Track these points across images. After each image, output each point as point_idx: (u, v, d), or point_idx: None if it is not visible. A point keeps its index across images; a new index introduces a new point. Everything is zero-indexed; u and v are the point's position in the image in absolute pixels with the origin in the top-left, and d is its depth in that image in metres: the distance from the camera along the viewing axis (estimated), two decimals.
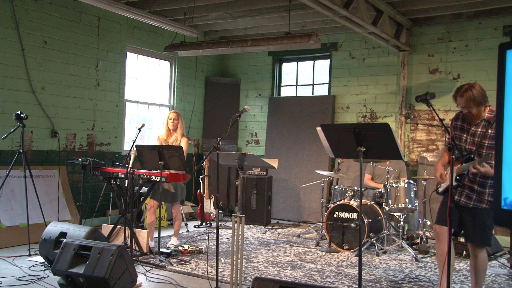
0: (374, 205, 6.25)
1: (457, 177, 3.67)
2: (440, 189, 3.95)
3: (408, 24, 7.55)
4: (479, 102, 3.62)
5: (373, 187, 6.69)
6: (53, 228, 4.59)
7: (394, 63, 7.91)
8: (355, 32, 7.20)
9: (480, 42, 7.22)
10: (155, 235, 5.79)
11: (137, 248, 5.30)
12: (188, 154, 7.02)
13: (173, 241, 5.85)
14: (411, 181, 6.09)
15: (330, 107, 8.37)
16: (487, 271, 5.09)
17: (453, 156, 3.43)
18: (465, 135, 3.78)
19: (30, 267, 4.77)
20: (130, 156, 5.22)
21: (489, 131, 3.63)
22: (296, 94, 9.11)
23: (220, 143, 4.31)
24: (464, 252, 5.75)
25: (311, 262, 5.39)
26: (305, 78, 9.12)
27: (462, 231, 3.93)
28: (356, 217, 5.90)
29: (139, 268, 4.71)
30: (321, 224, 6.67)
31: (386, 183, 6.09)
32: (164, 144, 5.86)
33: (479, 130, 3.70)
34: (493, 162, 3.45)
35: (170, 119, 5.90)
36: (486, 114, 3.69)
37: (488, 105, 3.69)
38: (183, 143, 5.78)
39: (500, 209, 1.91)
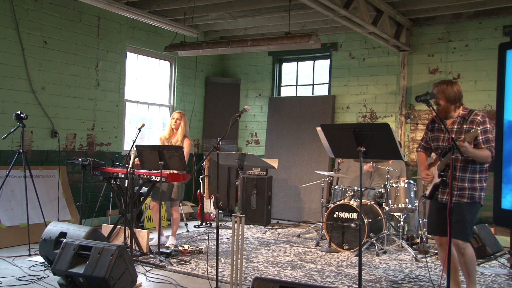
0: (374, 205, 6.24)
1: (441, 173, 3.75)
2: (427, 192, 4.00)
3: (408, 24, 7.55)
4: (448, 98, 3.82)
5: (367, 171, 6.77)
6: (53, 228, 4.59)
7: (394, 63, 7.91)
8: (355, 32, 7.20)
9: (480, 42, 7.22)
10: (164, 232, 5.77)
11: (137, 248, 5.30)
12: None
13: (171, 241, 5.85)
14: (411, 181, 6.09)
15: (330, 107, 8.37)
16: (487, 271, 5.10)
17: (453, 156, 3.45)
18: (442, 135, 3.91)
19: (30, 267, 4.77)
20: (130, 156, 5.22)
21: (464, 126, 3.79)
22: (296, 94, 9.11)
23: (220, 143, 4.31)
24: None
25: (311, 262, 5.39)
26: (305, 78, 9.12)
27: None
28: (356, 217, 5.90)
29: (139, 268, 4.71)
30: (321, 224, 6.67)
31: (386, 183, 6.09)
32: (166, 143, 5.87)
33: (455, 127, 3.86)
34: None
35: (173, 119, 5.92)
36: (461, 112, 3.87)
37: (461, 105, 3.88)
38: (185, 144, 5.78)
39: (500, 209, 1.91)
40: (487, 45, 7.16)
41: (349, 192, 6.35)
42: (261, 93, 9.26)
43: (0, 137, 5.78)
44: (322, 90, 8.83)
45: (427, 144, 4.14)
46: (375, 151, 3.76)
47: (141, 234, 5.47)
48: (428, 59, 7.62)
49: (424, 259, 5.63)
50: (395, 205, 5.96)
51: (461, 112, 3.87)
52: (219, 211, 8.12)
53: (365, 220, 5.81)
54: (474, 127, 3.74)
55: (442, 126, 3.80)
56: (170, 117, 6.00)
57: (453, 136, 3.79)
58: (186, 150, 5.76)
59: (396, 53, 7.76)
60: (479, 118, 3.77)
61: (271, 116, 8.98)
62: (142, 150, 5.27)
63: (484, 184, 3.80)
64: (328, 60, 8.67)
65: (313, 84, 8.99)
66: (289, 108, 8.78)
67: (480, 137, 3.72)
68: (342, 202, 6.10)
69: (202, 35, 8.86)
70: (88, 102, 7.08)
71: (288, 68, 9.36)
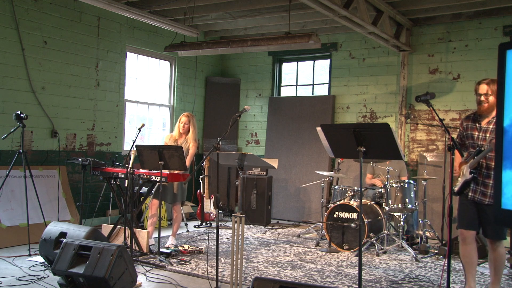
0: (374, 205, 6.24)
1: (472, 171, 3.76)
2: (456, 188, 4.00)
3: (408, 24, 7.55)
4: None
5: (373, 184, 6.69)
6: (53, 228, 4.59)
7: (394, 63, 7.91)
8: (355, 32, 7.19)
9: (480, 42, 7.22)
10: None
11: (137, 248, 5.30)
12: None
13: (171, 241, 5.86)
14: (411, 181, 6.09)
15: (330, 107, 8.37)
16: (487, 271, 5.10)
17: (453, 156, 3.46)
18: (476, 133, 3.92)
19: (30, 267, 4.77)
20: (130, 156, 5.22)
21: None
22: (296, 94, 9.10)
23: (220, 143, 4.31)
24: None
25: (311, 262, 5.39)
26: (305, 78, 9.12)
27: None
28: (356, 217, 5.90)
29: (139, 268, 4.71)
30: (321, 224, 6.67)
31: (386, 183, 6.09)
32: (173, 143, 5.88)
33: (491, 126, 3.85)
34: None
35: (182, 123, 5.89)
36: None
37: None
38: (193, 147, 5.80)
39: (500, 209, 1.91)
40: (487, 45, 7.15)
41: (349, 192, 6.35)
42: (261, 93, 9.26)
43: (0, 137, 5.78)
44: (322, 90, 8.83)
45: (461, 141, 4.14)
46: (375, 151, 3.76)
47: (141, 234, 5.48)
48: (428, 59, 7.62)
49: (424, 259, 5.63)
50: (395, 205, 5.96)
51: None
52: (219, 211, 8.12)
53: (365, 220, 5.81)
54: None
55: (443, 126, 3.80)
56: (178, 119, 5.97)
57: (489, 136, 3.81)
58: (192, 152, 5.79)
59: (396, 53, 7.75)
60: None
61: (271, 116, 8.98)
62: (142, 150, 5.27)
63: None
64: (328, 60, 8.67)
65: (313, 84, 8.99)
66: (289, 108, 8.78)
67: None
68: (342, 202, 6.10)
69: (202, 35, 8.86)
70: (88, 102, 7.08)
71: (288, 68, 9.36)
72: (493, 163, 3.77)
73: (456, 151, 4.18)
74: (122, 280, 3.83)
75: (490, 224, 3.82)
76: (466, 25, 7.32)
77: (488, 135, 3.83)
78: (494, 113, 3.84)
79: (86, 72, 7.04)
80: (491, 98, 3.82)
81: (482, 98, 3.86)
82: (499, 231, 3.84)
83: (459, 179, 4.00)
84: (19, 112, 5.42)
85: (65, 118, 6.78)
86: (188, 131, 5.89)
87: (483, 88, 3.87)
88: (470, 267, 3.95)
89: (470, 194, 3.89)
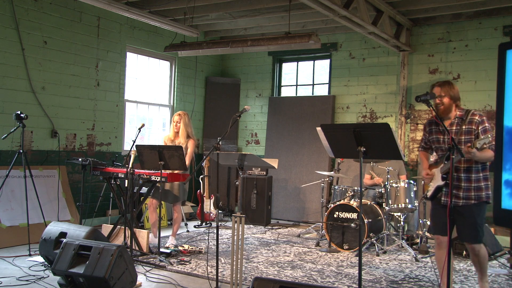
0: (374, 205, 6.24)
1: (444, 176, 3.76)
2: (429, 194, 4.00)
3: (408, 24, 7.55)
4: (452, 95, 3.86)
5: (373, 184, 6.69)
6: (53, 228, 4.60)
7: (394, 63, 7.91)
8: (355, 32, 7.20)
9: (480, 42, 7.22)
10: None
11: (137, 248, 5.30)
12: None
13: (171, 241, 5.86)
14: (411, 181, 6.09)
15: (330, 107, 8.37)
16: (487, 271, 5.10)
17: (453, 156, 3.45)
18: (441, 136, 3.95)
19: (30, 267, 4.77)
20: (130, 156, 5.22)
21: (463, 126, 3.82)
22: (296, 94, 9.10)
23: (220, 143, 4.31)
24: (464, 252, 5.75)
25: (311, 262, 5.39)
26: (305, 78, 9.12)
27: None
28: (356, 217, 5.90)
29: (139, 268, 4.71)
30: (321, 224, 6.67)
31: (386, 183, 6.09)
32: (170, 144, 5.87)
33: (454, 128, 3.88)
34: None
35: (174, 122, 5.91)
36: (458, 112, 3.90)
37: (459, 105, 3.94)
38: (190, 145, 5.79)
39: (500, 209, 1.91)
40: (487, 45, 7.16)
41: (349, 192, 6.35)
42: (261, 93, 9.26)
43: (0, 137, 5.78)
44: (322, 90, 8.83)
45: (426, 145, 4.20)
46: (375, 151, 3.76)
47: (141, 234, 5.48)
48: (428, 59, 7.62)
49: (424, 259, 5.63)
50: (395, 205, 5.96)
51: (458, 113, 3.90)
52: (219, 211, 8.12)
53: (365, 220, 5.81)
54: (473, 127, 3.77)
55: (442, 127, 3.81)
56: (172, 119, 6.00)
57: (454, 137, 3.81)
58: (190, 151, 5.77)
59: (396, 53, 7.75)
60: (477, 118, 3.79)
61: (271, 116, 8.98)
62: (142, 150, 5.27)
63: (489, 182, 3.84)
64: (328, 60, 8.67)
65: (313, 84, 8.99)
66: (289, 108, 8.78)
67: (482, 137, 3.72)
68: (342, 202, 6.10)
69: (202, 35, 8.86)
70: (88, 102, 7.08)
71: (288, 68, 9.36)
72: (461, 165, 3.82)
73: (421, 152, 4.25)
74: (122, 280, 3.84)
75: (465, 227, 3.84)
76: (466, 25, 7.32)
77: (453, 136, 3.82)
78: (453, 114, 3.89)
79: (86, 72, 7.04)
80: (445, 100, 3.86)
81: (437, 100, 3.89)
82: (475, 234, 3.82)
83: (431, 183, 4.00)
84: (19, 112, 5.42)
85: (65, 118, 6.78)
86: (181, 129, 5.89)
87: (436, 90, 3.89)
88: (443, 272, 3.94)
89: (443, 198, 3.91)
